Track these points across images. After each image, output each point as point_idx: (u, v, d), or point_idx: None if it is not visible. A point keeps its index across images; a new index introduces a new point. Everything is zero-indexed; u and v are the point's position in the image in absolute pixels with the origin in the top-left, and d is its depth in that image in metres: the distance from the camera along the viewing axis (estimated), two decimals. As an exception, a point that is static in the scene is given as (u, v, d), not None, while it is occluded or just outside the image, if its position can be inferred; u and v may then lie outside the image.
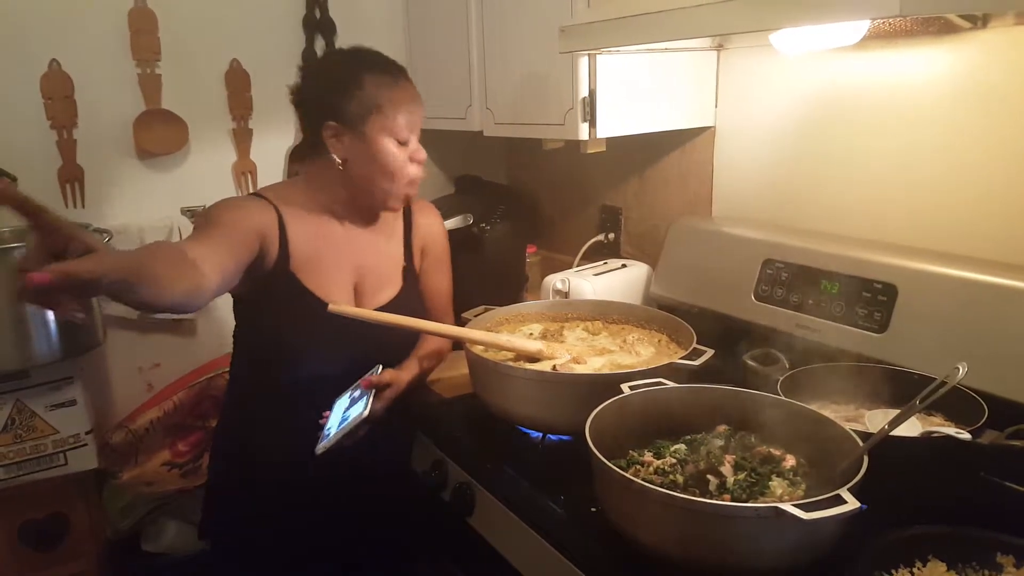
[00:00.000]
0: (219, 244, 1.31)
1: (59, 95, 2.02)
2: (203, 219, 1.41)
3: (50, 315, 1.82)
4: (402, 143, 1.44)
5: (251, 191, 2.31)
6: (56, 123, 2.04)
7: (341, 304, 1.44)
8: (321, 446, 1.33)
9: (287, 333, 1.47)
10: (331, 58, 1.53)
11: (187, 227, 2.21)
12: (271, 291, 1.46)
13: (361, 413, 1.35)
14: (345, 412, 1.38)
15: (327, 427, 1.37)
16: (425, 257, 1.67)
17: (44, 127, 2.03)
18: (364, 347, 1.47)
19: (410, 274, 1.62)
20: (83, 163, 2.09)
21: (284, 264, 1.44)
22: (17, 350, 1.81)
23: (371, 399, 1.38)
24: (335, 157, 1.44)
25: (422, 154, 1.48)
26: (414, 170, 1.47)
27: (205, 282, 1.19)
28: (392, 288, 1.58)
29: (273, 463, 1.49)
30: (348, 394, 1.43)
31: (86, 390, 2.01)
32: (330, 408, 1.42)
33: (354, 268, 1.53)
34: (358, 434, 1.37)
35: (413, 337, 1.63)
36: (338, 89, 1.42)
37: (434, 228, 1.69)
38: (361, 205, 1.52)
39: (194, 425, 2.16)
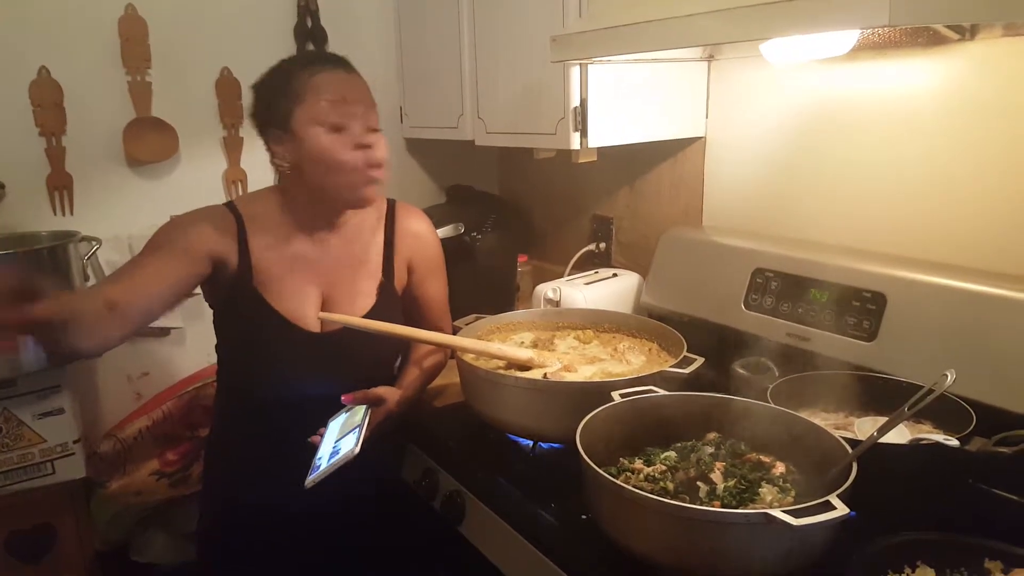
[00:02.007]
0: (149, 276, 1.31)
1: (48, 102, 2.02)
2: (149, 242, 1.37)
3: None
4: (337, 129, 1.34)
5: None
6: (45, 130, 2.03)
7: (330, 313, 1.43)
8: (310, 479, 1.25)
9: (253, 350, 1.44)
10: (270, 68, 1.46)
11: (177, 235, 2.20)
12: (235, 306, 1.43)
13: (352, 450, 1.24)
14: (338, 442, 1.30)
15: (318, 455, 1.30)
16: (414, 271, 1.59)
17: (33, 134, 2.02)
18: (338, 366, 1.44)
19: (386, 290, 1.52)
20: (72, 171, 2.08)
21: (246, 279, 1.40)
22: (4, 358, 1.80)
23: (364, 431, 1.29)
24: (282, 164, 1.39)
25: (369, 138, 1.35)
26: (364, 156, 1.35)
27: (115, 331, 1.27)
28: (364, 304, 1.49)
29: (259, 476, 1.48)
30: (343, 414, 1.38)
31: (74, 399, 2.00)
32: (324, 426, 1.36)
33: (321, 283, 1.47)
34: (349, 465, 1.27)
35: (385, 348, 1.56)
36: (270, 93, 1.39)
37: (422, 237, 1.59)
38: (326, 210, 1.45)
39: (183, 435, 2.14)
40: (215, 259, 1.39)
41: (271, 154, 1.42)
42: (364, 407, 1.37)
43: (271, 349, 1.43)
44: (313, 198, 1.42)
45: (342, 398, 1.39)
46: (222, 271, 1.40)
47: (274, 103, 1.38)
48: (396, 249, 1.55)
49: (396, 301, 1.56)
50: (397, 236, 1.55)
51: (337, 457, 1.25)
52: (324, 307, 1.47)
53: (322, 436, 1.35)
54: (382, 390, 1.42)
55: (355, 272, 1.51)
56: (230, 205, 1.46)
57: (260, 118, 1.42)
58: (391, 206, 1.58)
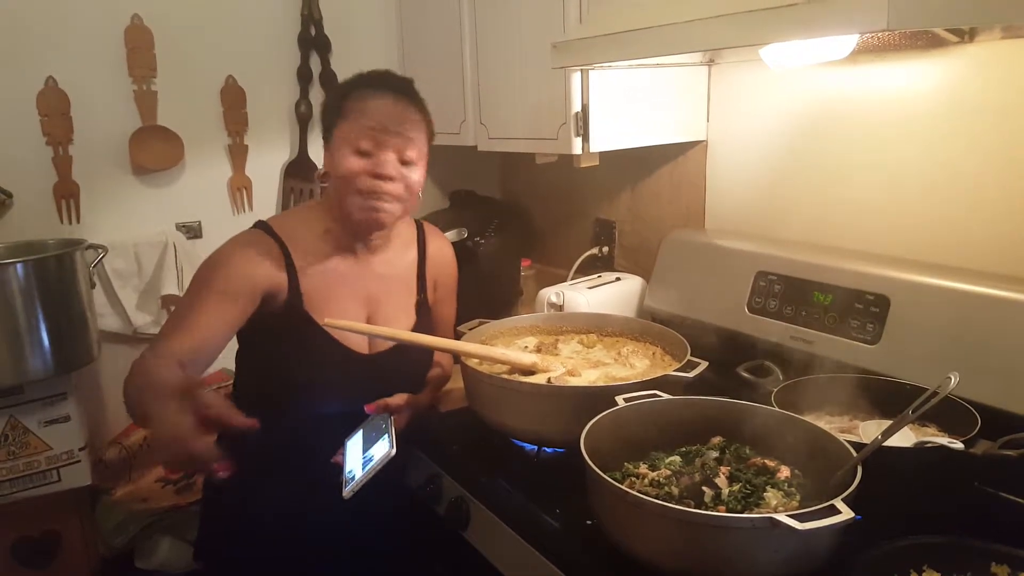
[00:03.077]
0: (212, 325, 1.31)
1: (55, 112, 2.03)
2: (201, 283, 1.36)
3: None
4: (362, 153, 1.37)
5: (247, 207, 2.33)
6: (52, 139, 2.04)
7: (336, 319, 1.43)
8: (348, 489, 1.25)
9: (298, 371, 1.43)
10: (346, 79, 1.50)
11: (182, 243, 2.21)
12: (282, 328, 1.42)
13: (389, 452, 1.27)
14: (367, 452, 1.32)
15: (348, 470, 1.30)
16: (438, 288, 1.63)
17: (40, 143, 2.04)
18: (375, 383, 1.44)
19: (423, 308, 1.58)
20: (79, 179, 2.10)
21: (297, 303, 1.41)
22: (11, 366, 1.81)
23: (394, 434, 1.31)
24: (322, 172, 1.44)
25: (388, 169, 1.37)
26: (374, 183, 1.37)
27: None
28: (406, 322, 1.54)
29: (268, 486, 1.48)
30: (360, 431, 1.39)
31: (80, 406, 2.00)
32: (342, 446, 1.37)
33: (366, 302, 1.49)
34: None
35: (425, 367, 1.59)
36: (329, 106, 1.44)
37: (447, 259, 1.65)
38: (353, 227, 1.47)
39: (189, 441, 2.15)
40: (267, 294, 1.39)
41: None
42: (384, 416, 1.39)
43: (318, 370, 1.44)
44: (341, 213, 1.45)
45: (366, 408, 1.40)
46: (271, 301, 1.40)
47: (327, 115, 1.43)
48: (427, 268, 1.60)
49: (430, 318, 1.61)
50: (428, 256, 1.60)
51: (373, 463, 1.27)
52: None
53: (343, 455, 1.35)
54: (399, 398, 1.44)
55: (395, 290, 1.54)
56: (266, 228, 1.44)
57: (322, 125, 1.48)
58: (420, 226, 1.63)
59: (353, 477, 1.27)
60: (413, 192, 1.43)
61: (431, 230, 1.66)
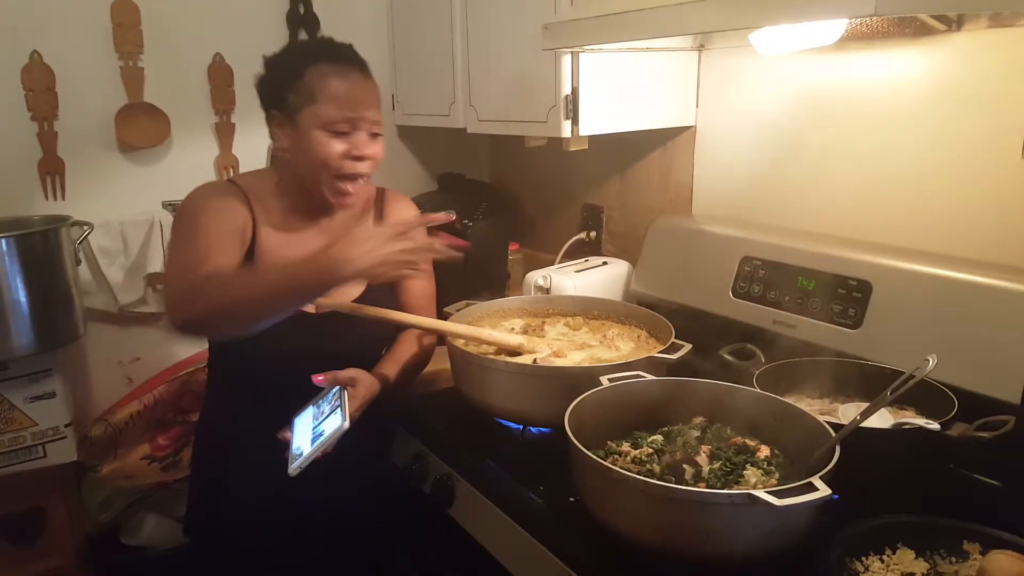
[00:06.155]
0: (223, 248, 1.33)
1: (40, 87, 2.01)
2: (191, 219, 1.37)
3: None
4: (339, 135, 1.37)
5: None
6: (37, 115, 2.02)
7: (323, 298, 1.43)
8: (294, 467, 1.24)
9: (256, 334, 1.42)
10: (287, 48, 1.47)
11: (168, 221, 2.20)
12: None
13: (342, 425, 1.25)
14: (317, 427, 1.31)
15: (295, 446, 1.29)
16: None
17: (25, 119, 2.02)
18: (331, 346, 1.44)
19: None
20: (64, 156, 2.08)
21: (250, 259, 1.41)
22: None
23: (347, 407, 1.30)
24: (278, 146, 1.43)
25: (365, 149, 1.38)
26: (353, 166, 1.38)
27: None
28: (355, 288, 1.50)
29: (251, 464, 1.48)
30: (310, 408, 1.37)
31: (65, 383, 2.00)
32: (289, 425, 1.35)
33: None
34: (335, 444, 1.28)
35: (379, 329, 1.55)
36: (281, 78, 1.40)
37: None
38: (313, 198, 1.46)
39: (174, 419, 2.15)
40: (242, 238, 1.41)
41: (270, 134, 1.44)
42: (335, 390, 1.37)
43: (274, 333, 1.43)
44: (301, 187, 1.44)
45: (313, 378, 1.37)
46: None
47: (283, 91, 1.39)
48: None
49: (386, 287, 1.57)
50: (385, 220, 1.56)
51: (324, 437, 1.26)
52: None
53: (291, 432, 1.34)
54: (353, 371, 1.41)
55: None
56: (234, 183, 1.46)
57: (265, 97, 1.44)
58: (380, 194, 1.59)
59: (300, 453, 1.26)
60: (377, 164, 1.43)
61: (393, 197, 1.62)
